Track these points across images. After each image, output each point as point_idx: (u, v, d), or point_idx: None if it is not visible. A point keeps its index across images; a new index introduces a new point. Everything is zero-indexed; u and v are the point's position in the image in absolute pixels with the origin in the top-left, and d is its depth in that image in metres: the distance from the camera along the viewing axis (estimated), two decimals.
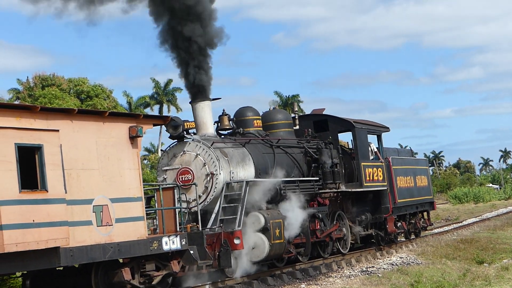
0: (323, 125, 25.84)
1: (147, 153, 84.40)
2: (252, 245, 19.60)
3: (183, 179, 19.71)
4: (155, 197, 17.64)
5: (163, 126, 18.11)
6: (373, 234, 26.70)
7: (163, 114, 70.26)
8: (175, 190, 17.19)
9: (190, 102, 20.66)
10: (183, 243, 16.27)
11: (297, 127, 24.81)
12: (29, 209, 12.92)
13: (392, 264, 23.11)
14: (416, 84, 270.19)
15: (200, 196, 19.44)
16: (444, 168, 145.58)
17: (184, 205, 18.88)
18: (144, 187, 16.04)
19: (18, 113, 13.37)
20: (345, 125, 25.77)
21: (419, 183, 29.69)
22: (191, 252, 16.49)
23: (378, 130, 27.67)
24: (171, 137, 19.73)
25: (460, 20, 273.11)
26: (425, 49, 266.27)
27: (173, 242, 16.00)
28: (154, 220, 18.58)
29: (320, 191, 23.24)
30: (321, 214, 22.96)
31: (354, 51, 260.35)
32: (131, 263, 15.52)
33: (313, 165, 23.51)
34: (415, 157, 33.59)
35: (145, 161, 70.11)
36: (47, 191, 13.29)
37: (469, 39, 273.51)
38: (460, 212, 55.10)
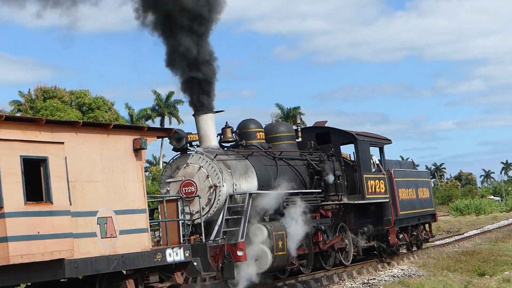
0: (325, 137, 25.90)
1: (148, 165, 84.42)
2: (255, 256, 19.64)
3: (186, 191, 19.77)
4: (158, 209, 17.72)
5: (164, 138, 18.16)
6: (375, 246, 26.74)
7: (165, 127, 70.35)
8: (179, 202, 17.26)
9: (193, 115, 20.75)
10: (187, 254, 16.31)
11: (300, 139, 24.90)
12: (34, 221, 12.98)
13: (394, 276, 23.12)
14: (418, 97, 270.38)
15: (203, 208, 19.51)
16: (446, 180, 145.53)
17: (188, 217, 18.94)
18: (147, 199, 16.11)
19: (24, 125, 13.45)
20: (348, 137, 25.83)
21: (421, 195, 29.75)
22: (195, 263, 16.53)
23: (380, 142, 27.73)
24: (174, 149, 19.76)
25: (462, 33, 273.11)
26: (426, 62, 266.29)
27: (176, 254, 16.03)
28: (156, 232, 18.66)
29: (323, 203, 23.29)
30: (324, 226, 23.01)
31: (355, 63, 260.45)
32: (135, 275, 15.56)
33: (315, 177, 23.57)
34: (416, 169, 33.64)
35: (147, 173, 70.10)
36: (52, 203, 13.35)
37: (471, 52, 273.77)
38: (462, 224, 55.13)
